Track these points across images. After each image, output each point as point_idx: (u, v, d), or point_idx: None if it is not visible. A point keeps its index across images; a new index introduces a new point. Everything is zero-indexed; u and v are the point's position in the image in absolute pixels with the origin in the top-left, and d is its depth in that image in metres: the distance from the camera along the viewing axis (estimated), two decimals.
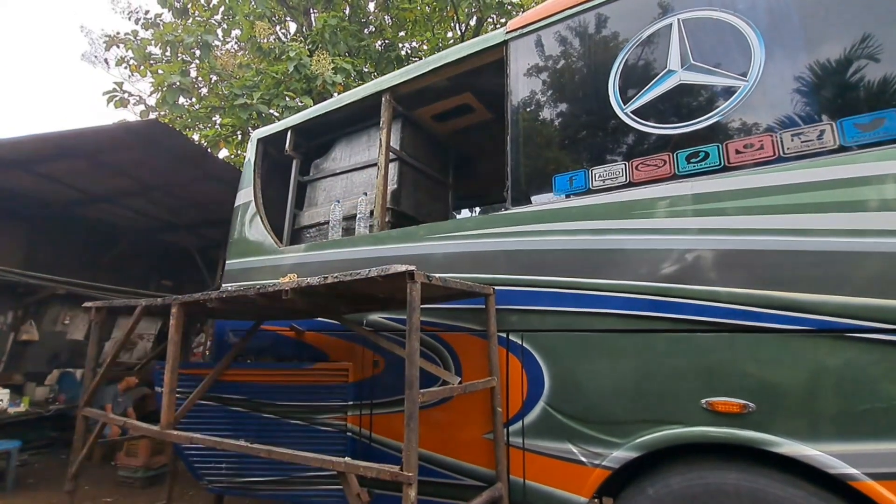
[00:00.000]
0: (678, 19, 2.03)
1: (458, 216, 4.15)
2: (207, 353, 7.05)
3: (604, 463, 1.82)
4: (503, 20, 9.65)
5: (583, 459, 1.87)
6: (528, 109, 2.42)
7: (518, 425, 2.07)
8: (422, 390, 1.69)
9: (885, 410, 1.41)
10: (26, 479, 4.62)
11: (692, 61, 1.96)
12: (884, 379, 1.43)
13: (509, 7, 8.96)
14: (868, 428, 1.42)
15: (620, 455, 1.79)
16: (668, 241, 1.83)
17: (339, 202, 3.19)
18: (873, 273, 1.47)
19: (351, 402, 2.63)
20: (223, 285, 3.48)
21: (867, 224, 1.50)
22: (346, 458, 1.80)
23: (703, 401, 1.66)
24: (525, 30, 2.50)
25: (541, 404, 2.02)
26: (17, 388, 5.43)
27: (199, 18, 9.84)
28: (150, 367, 3.57)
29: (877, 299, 1.45)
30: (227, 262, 3.57)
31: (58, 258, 6.48)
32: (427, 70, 2.87)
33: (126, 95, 7.41)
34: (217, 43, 9.73)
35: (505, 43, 2.56)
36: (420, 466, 1.74)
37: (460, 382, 2.04)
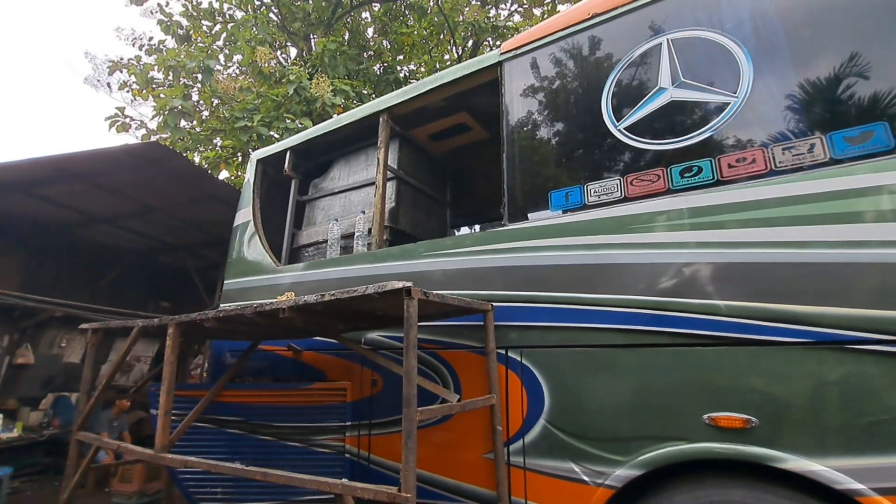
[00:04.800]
0: (667, 39, 2.08)
1: (456, 233, 4.16)
2: (205, 375, 6.96)
3: (607, 482, 1.78)
4: (498, 43, 9.88)
5: (585, 478, 1.84)
6: (523, 128, 2.46)
7: (518, 444, 2.04)
8: (419, 408, 1.67)
9: (889, 423, 1.39)
10: None
11: (682, 79, 2.00)
12: (888, 391, 1.41)
13: (504, 30, 9.19)
14: (873, 441, 1.40)
15: (623, 473, 1.75)
16: (664, 254, 1.83)
17: (337, 221, 3.20)
18: (872, 284, 1.47)
19: (349, 423, 2.59)
20: (221, 305, 3.46)
21: (863, 235, 1.51)
22: (343, 480, 1.77)
23: (706, 416, 1.64)
24: (519, 51, 2.56)
25: (541, 422, 1.99)
26: (10, 412, 5.34)
27: (201, 44, 10.07)
28: (147, 389, 3.52)
29: (877, 310, 1.45)
30: (225, 282, 3.56)
31: (55, 280, 6.47)
32: (423, 91, 2.92)
33: (128, 120, 7.52)
34: (219, 67, 9.93)
35: (499, 64, 2.61)
36: (419, 488, 1.71)
37: (459, 400, 2.01)
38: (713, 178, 1.82)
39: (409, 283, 1.71)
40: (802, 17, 1.82)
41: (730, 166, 1.80)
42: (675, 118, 1.98)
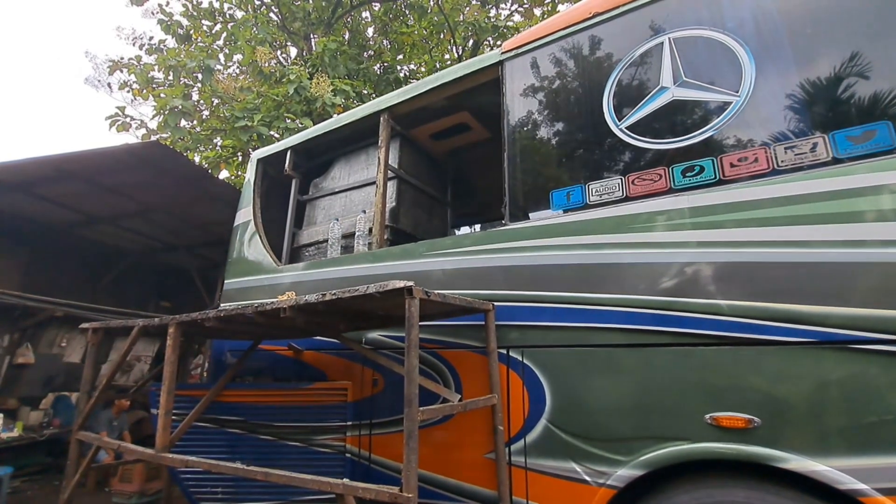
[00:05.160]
0: (669, 38, 2.07)
1: (456, 233, 4.16)
2: (205, 374, 6.96)
3: (608, 482, 1.77)
4: (499, 42, 9.87)
5: (587, 478, 1.83)
6: (523, 127, 2.46)
7: (520, 444, 2.03)
8: (421, 408, 1.67)
9: (893, 423, 1.39)
10: None
11: (684, 78, 1.99)
12: (891, 390, 1.41)
13: (504, 30, 9.18)
14: (876, 441, 1.40)
15: (625, 473, 1.75)
16: (666, 254, 1.83)
17: (337, 220, 3.20)
18: (875, 283, 1.47)
19: (350, 423, 2.59)
20: (221, 305, 3.46)
21: (867, 234, 1.50)
22: (344, 480, 1.76)
23: (708, 416, 1.64)
24: (520, 50, 2.56)
25: (543, 422, 1.99)
26: (10, 412, 5.34)
27: (201, 44, 10.07)
28: (147, 389, 3.51)
29: (880, 310, 1.44)
30: (225, 281, 3.56)
31: (56, 280, 6.47)
32: (424, 90, 2.92)
33: (128, 119, 7.52)
34: (219, 67, 9.93)
35: (500, 63, 2.61)
36: (420, 488, 1.70)
37: (460, 400, 2.01)
38: (715, 177, 1.81)
39: (410, 283, 1.71)
40: (805, 16, 1.81)
41: (732, 166, 1.79)
42: (676, 117, 1.97)
